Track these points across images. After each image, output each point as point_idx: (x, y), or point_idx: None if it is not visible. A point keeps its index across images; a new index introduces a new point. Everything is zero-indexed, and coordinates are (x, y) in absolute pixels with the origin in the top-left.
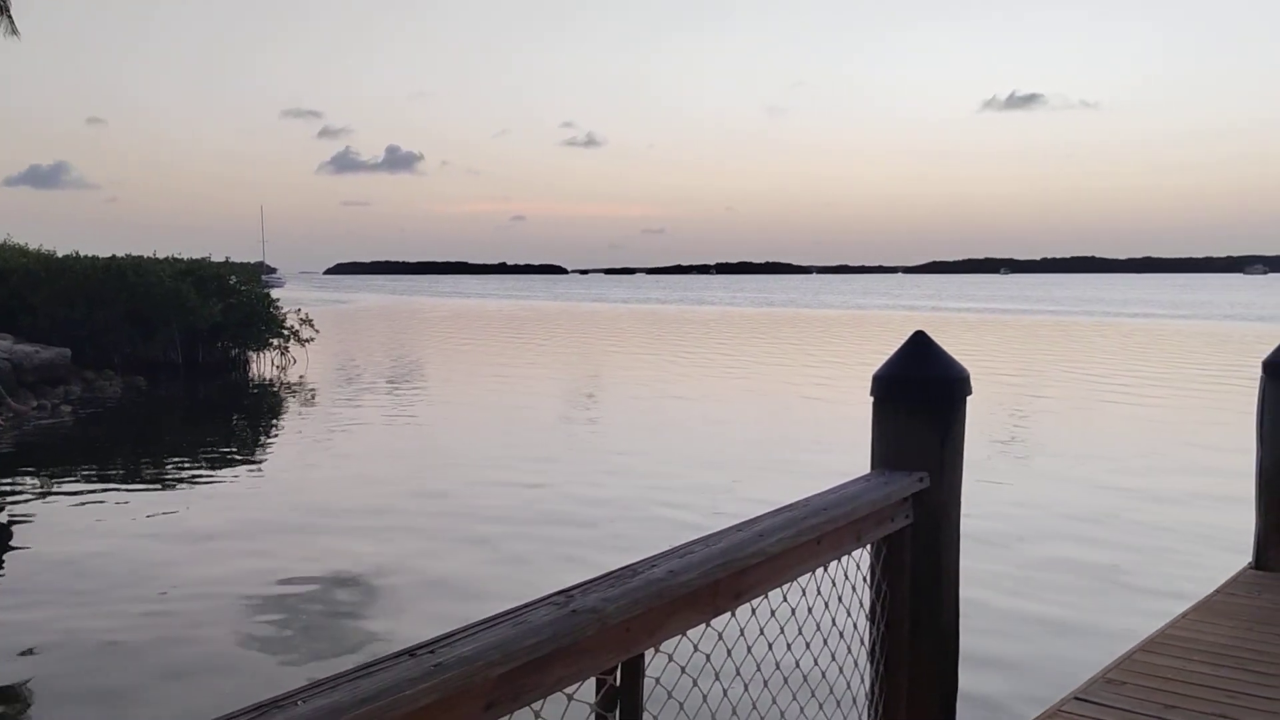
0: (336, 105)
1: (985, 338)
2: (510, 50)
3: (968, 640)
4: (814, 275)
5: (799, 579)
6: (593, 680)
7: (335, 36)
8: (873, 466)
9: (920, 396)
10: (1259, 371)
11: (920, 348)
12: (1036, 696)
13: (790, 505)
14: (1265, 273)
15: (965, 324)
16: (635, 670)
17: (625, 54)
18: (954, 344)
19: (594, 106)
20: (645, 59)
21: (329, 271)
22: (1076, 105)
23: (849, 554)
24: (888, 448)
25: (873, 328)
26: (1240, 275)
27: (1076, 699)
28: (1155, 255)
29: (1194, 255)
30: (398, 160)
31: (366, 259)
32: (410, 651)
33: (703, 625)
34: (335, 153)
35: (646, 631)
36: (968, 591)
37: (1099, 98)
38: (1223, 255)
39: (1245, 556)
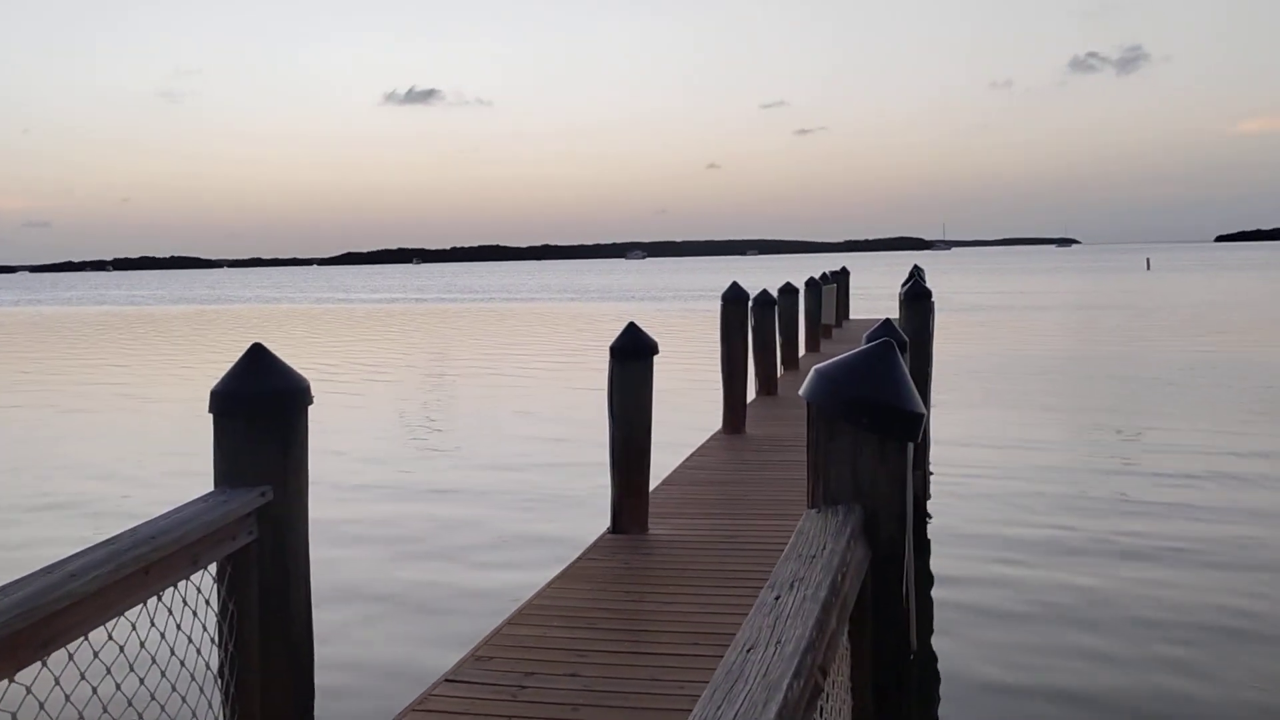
0: None
1: (397, 327)
2: None
3: (331, 646)
4: (225, 269)
5: (128, 614)
6: None
7: None
8: (215, 484)
9: (259, 410)
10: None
11: (257, 360)
12: (406, 687)
13: (114, 538)
14: (643, 257)
15: (387, 315)
16: None
17: None
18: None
19: None
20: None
21: None
22: (473, 102)
23: (187, 579)
24: (229, 464)
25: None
26: (624, 260)
27: (446, 681)
28: (554, 243)
29: (586, 243)
30: None
31: None
32: None
33: (5, 682)
34: None
35: None
36: (329, 599)
37: (492, 95)
38: (610, 242)
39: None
